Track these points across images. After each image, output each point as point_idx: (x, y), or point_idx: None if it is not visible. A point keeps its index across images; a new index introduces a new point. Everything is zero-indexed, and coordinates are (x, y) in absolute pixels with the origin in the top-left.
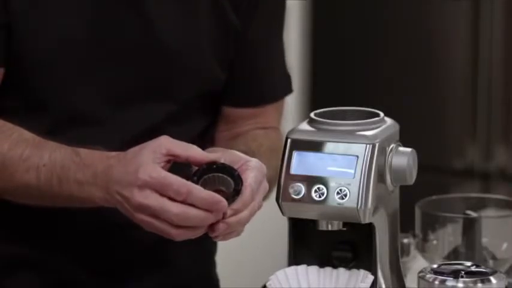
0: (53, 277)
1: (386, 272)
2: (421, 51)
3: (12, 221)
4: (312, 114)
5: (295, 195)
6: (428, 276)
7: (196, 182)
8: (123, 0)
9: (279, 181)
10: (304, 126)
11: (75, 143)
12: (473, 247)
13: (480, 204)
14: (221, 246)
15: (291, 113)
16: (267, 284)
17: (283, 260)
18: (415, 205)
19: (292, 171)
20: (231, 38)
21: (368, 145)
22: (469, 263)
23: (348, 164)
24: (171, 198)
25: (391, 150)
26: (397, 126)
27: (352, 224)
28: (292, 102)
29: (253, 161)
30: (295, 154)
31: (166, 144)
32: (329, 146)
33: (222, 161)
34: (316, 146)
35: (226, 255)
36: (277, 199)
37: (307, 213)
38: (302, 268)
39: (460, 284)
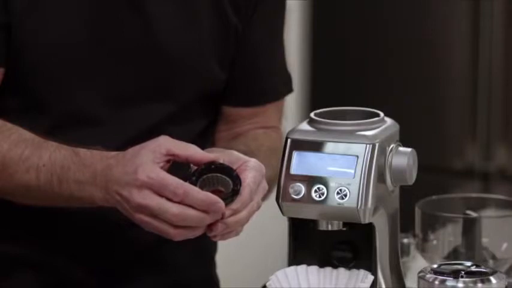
0: (53, 277)
1: (386, 272)
2: (421, 51)
3: (12, 221)
4: (312, 114)
5: (295, 195)
6: (428, 276)
7: (195, 182)
8: (123, 1)
9: (279, 181)
10: (304, 126)
11: (75, 143)
12: (473, 247)
13: (480, 204)
14: (221, 246)
15: (291, 113)
16: (267, 284)
17: (283, 260)
18: (415, 205)
19: (292, 171)
20: (231, 38)
21: (368, 145)
22: (469, 263)
23: (348, 164)
24: (170, 199)
25: (391, 150)
26: (397, 126)
27: (352, 224)
28: (292, 102)
29: (252, 161)
30: (295, 154)
31: (166, 144)
32: (329, 146)
33: (221, 161)
34: (316, 146)
35: (227, 255)
36: (277, 199)
37: (307, 213)
38: (302, 268)
39: (460, 284)
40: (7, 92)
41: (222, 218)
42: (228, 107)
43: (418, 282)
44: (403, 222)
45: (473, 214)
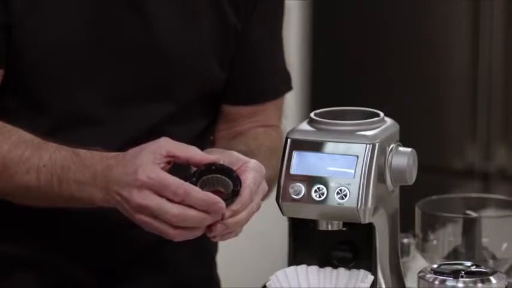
0: (53, 277)
1: (386, 272)
2: (421, 51)
3: (12, 221)
4: (312, 114)
5: (295, 195)
6: (428, 276)
7: (195, 183)
8: (123, 1)
9: (279, 181)
10: (304, 126)
11: (75, 144)
12: (473, 247)
13: (480, 204)
14: (221, 246)
15: (291, 113)
16: (267, 284)
17: (283, 260)
18: (415, 205)
19: (292, 171)
20: (231, 38)
21: (368, 145)
22: (469, 263)
23: (348, 164)
24: (170, 199)
25: (391, 150)
26: (397, 126)
27: (352, 224)
28: (292, 102)
29: (252, 162)
30: (295, 154)
31: (166, 145)
32: (329, 146)
33: (221, 162)
34: (316, 146)
35: (227, 256)
36: (277, 199)
37: (307, 213)
38: (302, 268)
39: (460, 284)
40: (7, 92)
41: (222, 218)
42: (228, 106)
43: (418, 282)
44: (403, 222)
45: (473, 214)
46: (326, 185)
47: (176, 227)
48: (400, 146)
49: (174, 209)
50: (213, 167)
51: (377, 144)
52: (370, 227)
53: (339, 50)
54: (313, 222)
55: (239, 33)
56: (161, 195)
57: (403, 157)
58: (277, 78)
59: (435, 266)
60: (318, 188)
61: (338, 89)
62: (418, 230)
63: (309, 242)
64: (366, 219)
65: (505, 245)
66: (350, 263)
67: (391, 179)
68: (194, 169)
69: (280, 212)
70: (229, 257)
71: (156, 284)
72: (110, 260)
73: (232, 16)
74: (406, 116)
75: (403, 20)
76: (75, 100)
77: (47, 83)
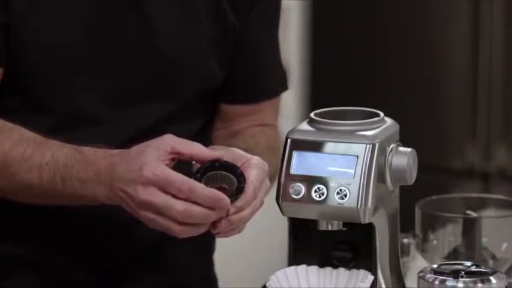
0: (53, 277)
1: (386, 272)
2: (421, 51)
3: (12, 221)
4: (312, 114)
5: (295, 195)
6: (428, 276)
7: (199, 180)
8: (123, 1)
9: (279, 181)
10: (304, 126)
11: (75, 143)
12: (473, 247)
13: (480, 204)
14: (221, 246)
15: (291, 113)
16: (267, 284)
17: (283, 260)
18: (415, 205)
19: (292, 171)
20: (230, 37)
21: (368, 145)
22: (469, 263)
23: (348, 164)
24: (175, 196)
25: (391, 150)
26: (397, 126)
27: (352, 224)
28: (292, 102)
29: (255, 159)
30: (295, 154)
31: (171, 142)
32: (329, 146)
33: (225, 158)
34: (316, 146)
35: (226, 255)
36: (277, 199)
37: (307, 213)
38: (302, 268)
39: (460, 284)
40: (7, 92)
41: (226, 215)
42: (226, 105)
43: (418, 282)
44: (403, 222)
45: (473, 214)
46: (326, 185)
47: (181, 224)
48: (400, 146)
49: (179, 205)
50: (217, 164)
51: (377, 144)
52: (370, 227)
53: (339, 50)
54: (313, 222)
55: (238, 33)
56: (166, 192)
57: (403, 157)
58: (274, 77)
59: (435, 266)
60: (318, 188)
61: (338, 89)
62: (418, 230)
63: (309, 242)
64: (366, 219)
65: (505, 245)
66: (350, 263)
67: (391, 179)
68: (197, 166)
69: (280, 212)
70: (230, 257)
71: (155, 284)
72: (110, 260)
73: (231, 16)
74: (406, 116)
75: (403, 20)
76: (75, 100)
77: (47, 83)
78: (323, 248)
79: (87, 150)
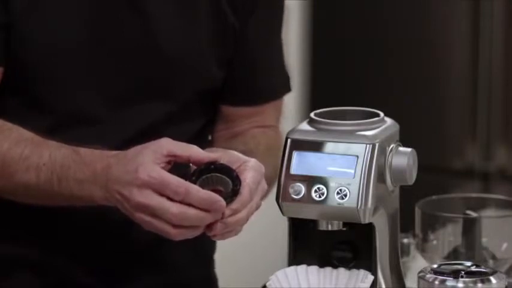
0: (53, 277)
1: (386, 272)
2: (421, 51)
3: (12, 221)
4: (312, 114)
5: (295, 195)
6: (428, 276)
7: (195, 182)
8: (123, 1)
9: (279, 181)
10: (304, 126)
11: (75, 143)
12: (473, 247)
13: (480, 204)
14: (221, 246)
15: (291, 113)
16: (267, 284)
17: (283, 260)
18: (415, 205)
19: (292, 171)
20: (230, 38)
21: (368, 145)
22: (469, 263)
23: (348, 164)
24: (170, 198)
25: (391, 150)
26: (397, 126)
27: (352, 224)
28: (292, 102)
29: (252, 161)
30: (295, 154)
31: (167, 145)
32: (329, 146)
33: (221, 161)
34: (316, 146)
35: (226, 255)
36: (277, 199)
37: (307, 213)
38: (302, 268)
39: (460, 284)
40: (7, 92)
41: (222, 217)
42: (227, 107)
43: (418, 282)
44: (403, 222)
45: (473, 214)
46: (326, 185)
47: (176, 226)
48: (400, 146)
49: (174, 208)
50: (213, 166)
51: (377, 144)
52: (370, 227)
53: (339, 50)
54: (313, 222)
55: (238, 33)
56: (161, 194)
57: (403, 157)
58: (276, 79)
59: (435, 266)
60: (318, 188)
61: (338, 89)
62: (418, 230)
63: (309, 242)
64: (366, 219)
65: (505, 245)
66: (350, 263)
67: (391, 179)
68: (193, 168)
69: (280, 212)
70: (229, 257)
71: (155, 284)
72: (110, 260)
73: (231, 16)
74: (406, 116)
75: (403, 20)
76: (75, 100)
77: (47, 82)
78: (323, 248)
79: (84, 151)
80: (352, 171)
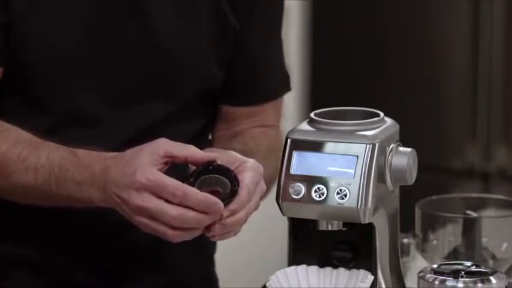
0: (53, 277)
1: (386, 272)
2: (421, 51)
3: (12, 221)
4: (312, 114)
5: (295, 195)
6: (428, 276)
7: (193, 183)
8: (123, 1)
9: (279, 181)
10: (304, 126)
11: (75, 143)
12: (473, 247)
13: (480, 204)
14: (221, 246)
15: (291, 113)
16: (267, 284)
17: (283, 260)
18: (415, 205)
19: (292, 171)
20: (230, 38)
21: (368, 145)
22: (469, 263)
23: (348, 164)
24: (169, 201)
25: (391, 150)
26: (397, 126)
27: (352, 224)
28: (292, 102)
29: (251, 162)
30: (295, 154)
31: (164, 146)
32: (329, 146)
33: (219, 162)
34: (316, 146)
35: (226, 255)
36: (277, 199)
37: (307, 213)
38: (302, 268)
39: (460, 284)
40: (7, 92)
41: (220, 218)
42: (227, 106)
43: (418, 282)
44: (403, 222)
45: (473, 214)
46: (326, 185)
47: (174, 228)
48: (400, 146)
49: (172, 210)
50: (211, 167)
51: (377, 144)
52: (370, 227)
53: (339, 50)
54: (313, 222)
55: (238, 33)
56: (160, 197)
57: (403, 157)
58: (276, 79)
59: (435, 266)
60: (318, 188)
61: (338, 89)
62: (418, 230)
63: (309, 242)
64: (366, 219)
65: (505, 245)
66: (350, 263)
67: (391, 179)
68: (192, 169)
69: (280, 212)
70: (229, 257)
71: (155, 284)
72: (109, 260)
73: (231, 16)
74: (406, 116)
75: (403, 20)
76: (74, 100)
77: (47, 83)
78: (323, 248)
79: (82, 152)
80: (352, 171)
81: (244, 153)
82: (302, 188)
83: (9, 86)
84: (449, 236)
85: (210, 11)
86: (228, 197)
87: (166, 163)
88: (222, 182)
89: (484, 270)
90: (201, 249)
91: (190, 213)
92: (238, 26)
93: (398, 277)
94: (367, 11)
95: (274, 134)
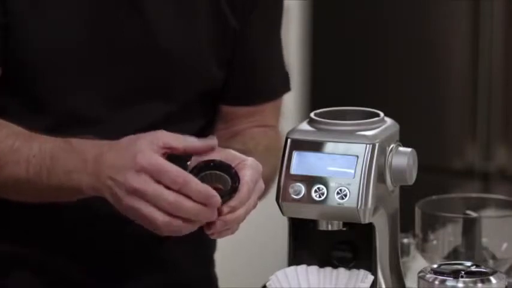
0: (53, 277)
1: (386, 272)
2: (421, 51)
3: (12, 221)
4: (312, 114)
5: (295, 195)
6: (428, 276)
7: None
8: (123, 1)
9: (279, 181)
10: (304, 126)
11: None
12: (473, 247)
13: (480, 204)
14: (221, 246)
15: (291, 113)
16: (267, 284)
17: (283, 260)
18: (415, 205)
19: (292, 171)
20: (229, 38)
21: (368, 145)
22: (469, 263)
23: (348, 164)
24: (167, 187)
25: (391, 150)
26: (397, 126)
27: (352, 224)
28: (292, 102)
29: (250, 160)
30: (295, 154)
31: (163, 137)
32: (329, 146)
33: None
34: (316, 146)
35: (226, 255)
36: (277, 199)
37: (307, 213)
38: (302, 268)
39: (460, 284)
40: (7, 92)
41: (220, 214)
42: (226, 106)
43: (418, 282)
44: (403, 222)
45: (473, 214)
46: (326, 185)
47: (166, 216)
48: (400, 146)
49: (170, 196)
50: (212, 164)
51: (377, 144)
52: (370, 227)
53: (339, 50)
54: (313, 222)
55: (237, 33)
56: (159, 182)
57: (403, 157)
58: (275, 79)
59: (435, 266)
60: (318, 188)
61: (338, 89)
62: (418, 230)
63: (309, 242)
64: (366, 219)
65: (505, 245)
66: (350, 263)
67: (391, 179)
68: (192, 166)
69: (280, 212)
70: (229, 257)
71: (155, 284)
72: (109, 260)
73: (230, 16)
74: (406, 116)
75: (403, 20)
76: (74, 100)
77: (47, 83)
78: (323, 248)
79: (76, 140)
80: (352, 171)
81: (243, 152)
82: (302, 188)
83: (9, 86)
84: (449, 236)
85: (210, 11)
86: (229, 193)
87: (164, 154)
88: (222, 178)
89: (484, 270)
90: (200, 249)
91: (188, 203)
92: (238, 26)
93: (398, 277)
94: (367, 11)
95: (274, 134)
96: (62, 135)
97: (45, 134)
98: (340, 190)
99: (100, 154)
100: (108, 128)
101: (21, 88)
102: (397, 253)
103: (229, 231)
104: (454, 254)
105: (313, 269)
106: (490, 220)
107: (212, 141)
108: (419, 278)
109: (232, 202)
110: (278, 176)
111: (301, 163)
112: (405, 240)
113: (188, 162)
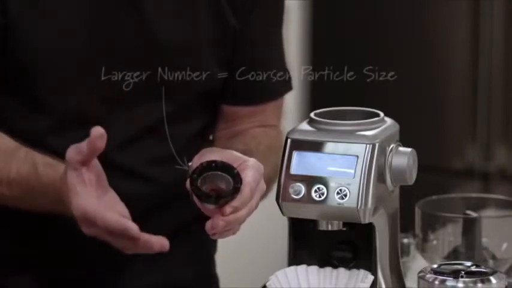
0: (52, 276)
1: (386, 272)
2: (421, 51)
3: (11, 221)
4: (312, 114)
5: (295, 195)
6: (428, 276)
7: (196, 180)
8: (123, 1)
9: (279, 181)
10: (304, 126)
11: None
12: (473, 247)
13: (480, 204)
14: (221, 246)
15: (291, 113)
16: (267, 284)
17: (283, 260)
18: (415, 205)
19: (292, 171)
20: (229, 37)
21: (368, 145)
22: (469, 263)
23: (348, 164)
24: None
25: (391, 150)
26: (397, 126)
27: (352, 224)
28: (292, 102)
29: (251, 161)
30: (295, 154)
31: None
32: (329, 146)
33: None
34: (316, 146)
35: (227, 255)
36: (277, 199)
37: (307, 213)
38: (302, 268)
39: (460, 284)
40: (7, 92)
41: (223, 215)
42: (227, 106)
43: (418, 282)
44: (403, 222)
45: (473, 214)
46: (326, 185)
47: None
48: (400, 146)
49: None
50: (214, 165)
51: (377, 144)
52: (370, 227)
53: (339, 50)
54: (313, 222)
55: (238, 33)
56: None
57: (403, 157)
58: (277, 79)
59: (435, 266)
60: (318, 188)
61: (338, 89)
62: (418, 230)
63: (309, 242)
64: (366, 219)
65: (505, 245)
66: (350, 263)
67: (391, 179)
68: (193, 167)
69: (280, 212)
70: (229, 257)
71: (156, 283)
72: (109, 260)
73: (230, 16)
74: (406, 116)
75: (403, 20)
76: (74, 100)
77: (46, 83)
78: (323, 248)
79: (42, 170)
80: (352, 171)
81: (245, 152)
82: (302, 188)
83: (9, 86)
84: (449, 236)
85: (210, 11)
86: (231, 194)
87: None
88: (225, 179)
89: (484, 270)
90: (201, 249)
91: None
92: (238, 26)
93: (398, 277)
94: (367, 11)
95: (275, 133)
96: (62, 135)
97: (45, 134)
98: (340, 190)
99: (61, 193)
100: (108, 128)
101: (21, 88)
102: (397, 253)
103: (230, 232)
104: (454, 254)
105: (313, 269)
106: (490, 220)
107: (94, 130)
108: (419, 278)
109: (235, 203)
110: (278, 176)
111: (301, 163)
112: (405, 240)
113: (190, 163)
